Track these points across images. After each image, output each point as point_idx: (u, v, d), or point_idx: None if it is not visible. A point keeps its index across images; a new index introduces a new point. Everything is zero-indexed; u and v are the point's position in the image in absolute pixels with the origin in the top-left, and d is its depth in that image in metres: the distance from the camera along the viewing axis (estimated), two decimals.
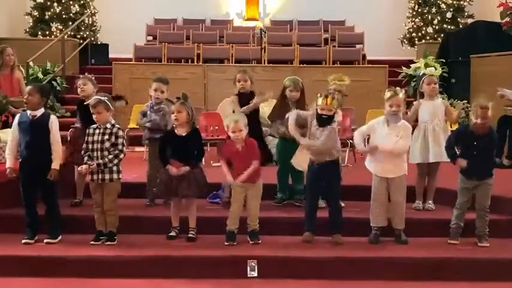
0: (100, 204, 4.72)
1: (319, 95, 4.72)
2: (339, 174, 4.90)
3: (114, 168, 4.70)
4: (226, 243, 4.67)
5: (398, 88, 4.82)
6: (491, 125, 4.71)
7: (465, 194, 4.72)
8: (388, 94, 4.75)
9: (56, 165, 4.72)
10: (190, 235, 4.80)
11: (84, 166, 4.65)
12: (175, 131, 4.77)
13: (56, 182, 4.77)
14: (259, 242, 4.72)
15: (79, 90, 5.46)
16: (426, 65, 9.63)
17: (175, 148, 4.73)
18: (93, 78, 5.57)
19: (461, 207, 4.73)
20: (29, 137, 4.70)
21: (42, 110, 4.79)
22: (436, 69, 9.32)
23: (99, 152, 4.66)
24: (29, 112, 4.77)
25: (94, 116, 4.70)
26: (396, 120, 4.75)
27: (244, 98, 5.45)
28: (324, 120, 4.70)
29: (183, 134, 4.73)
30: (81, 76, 5.64)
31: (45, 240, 4.69)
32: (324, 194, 4.89)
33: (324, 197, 4.96)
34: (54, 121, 4.79)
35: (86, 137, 4.74)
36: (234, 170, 4.74)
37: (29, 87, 4.85)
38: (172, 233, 4.84)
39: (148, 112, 5.41)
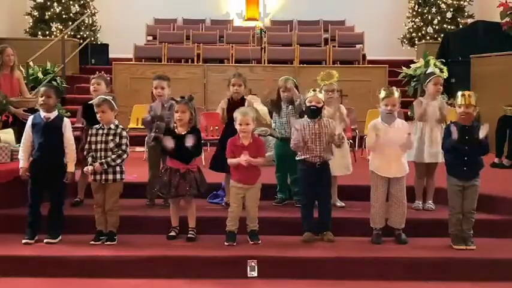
0: (101, 204, 4.72)
1: (307, 90, 4.84)
2: (329, 174, 4.93)
3: (117, 168, 4.70)
4: (226, 244, 4.67)
5: (394, 87, 4.83)
6: (479, 122, 4.68)
7: (457, 196, 4.65)
8: (383, 93, 4.76)
9: (71, 168, 4.75)
10: (190, 235, 4.80)
11: (90, 167, 4.64)
12: (176, 130, 4.77)
13: (66, 184, 4.79)
14: (259, 242, 4.72)
15: (92, 88, 5.42)
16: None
17: (175, 147, 4.73)
18: (108, 77, 5.54)
19: (456, 211, 4.66)
20: (43, 139, 4.70)
21: (56, 112, 4.82)
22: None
23: (102, 153, 4.66)
24: (42, 114, 4.77)
25: (98, 115, 4.69)
26: (392, 120, 4.75)
27: (235, 104, 5.29)
28: (313, 112, 4.74)
29: (183, 133, 4.74)
30: (95, 75, 5.55)
31: (45, 240, 4.69)
32: (316, 194, 4.88)
33: (315, 198, 4.92)
34: (67, 124, 4.80)
35: (89, 137, 4.73)
36: (235, 169, 4.72)
37: (45, 89, 4.81)
38: (172, 233, 4.84)
39: (160, 111, 5.35)
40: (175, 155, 4.71)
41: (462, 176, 4.63)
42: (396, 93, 4.74)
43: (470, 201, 4.63)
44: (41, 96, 4.77)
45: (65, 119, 4.85)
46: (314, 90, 4.81)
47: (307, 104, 4.79)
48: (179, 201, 4.87)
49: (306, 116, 4.86)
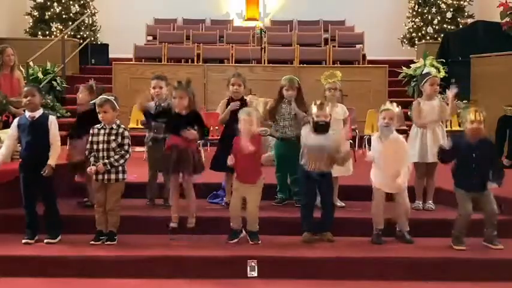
0: (102, 203, 4.71)
1: (313, 103, 4.77)
2: (331, 175, 4.91)
3: (120, 168, 4.70)
4: (226, 240, 4.68)
5: (395, 104, 4.82)
6: (486, 135, 4.67)
7: (467, 203, 4.63)
8: (382, 106, 4.78)
9: (51, 161, 4.70)
10: (189, 225, 4.81)
11: (93, 168, 4.63)
12: (176, 110, 4.79)
13: (52, 181, 4.77)
14: (259, 242, 4.71)
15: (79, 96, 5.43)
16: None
17: (176, 125, 4.75)
18: (93, 85, 5.47)
19: (466, 215, 4.65)
20: (29, 138, 4.70)
21: (41, 111, 4.81)
22: (439, 72, 9.31)
23: (105, 152, 4.66)
24: (27, 114, 4.77)
25: (100, 116, 4.70)
26: (388, 133, 4.74)
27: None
28: (322, 127, 4.71)
29: (183, 113, 4.75)
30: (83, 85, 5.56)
31: (45, 240, 4.69)
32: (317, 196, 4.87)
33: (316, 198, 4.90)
34: (53, 121, 4.80)
35: (90, 137, 4.73)
36: (236, 167, 4.73)
37: (28, 88, 4.84)
38: (173, 224, 4.81)
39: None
40: (177, 133, 4.72)
41: (470, 188, 4.62)
42: (396, 109, 4.75)
43: (490, 206, 4.61)
44: (25, 97, 4.77)
45: (51, 116, 4.85)
46: (322, 104, 4.73)
47: (315, 119, 4.71)
48: (178, 195, 4.84)
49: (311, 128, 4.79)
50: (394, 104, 4.82)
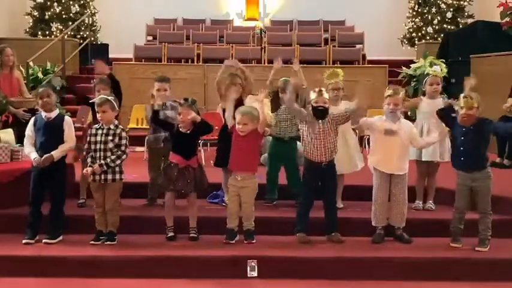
0: (101, 204, 4.71)
1: (312, 91, 4.80)
2: (335, 174, 4.92)
3: (117, 168, 4.70)
4: (223, 241, 4.68)
5: (400, 87, 4.86)
6: (483, 118, 4.66)
7: (463, 196, 4.67)
8: (387, 92, 4.79)
9: (55, 153, 4.69)
10: (192, 234, 4.81)
11: (89, 169, 4.64)
12: (180, 128, 4.79)
13: (65, 183, 4.83)
14: (254, 241, 4.72)
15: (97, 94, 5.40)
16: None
17: (178, 144, 4.77)
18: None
19: (459, 211, 4.70)
20: (44, 139, 4.73)
21: (57, 111, 4.85)
22: (441, 70, 9.28)
23: (102, 153, 4.66)
24: (43, 114, 4.80)
25: (98, 115, 4.71)
26: (394, 119, 4.77)
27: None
28: (321, 112, 4.72)
29: (187, 130, 4.75)
30: (97, 79, 5.55)
31: (43, 240, 4.69)
32: (320, 194, 4.87)
33: (320, 197, 4.89)
34: (68, 121, 4.85)
35: (89, 138, 4.74)
36: (232, 154, 4.76)
37: (43, 89, 4.86)
38: (171, 234, 4.82)
39: (162, 112, 5.34)
40: (179, 151, 4.72)
41: (458, 166, 4.66)
42: (401, 94, 4.79)
43: (480, 201, 4.63)
44: (41, 98, 4.79)
45: (66, 117, 4.90)
46: (320, 91, 4.77)
47: (314, 105, 4.74)
48: (174, 201, 4.86)
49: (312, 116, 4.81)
50: (400, 88, 4.84)
